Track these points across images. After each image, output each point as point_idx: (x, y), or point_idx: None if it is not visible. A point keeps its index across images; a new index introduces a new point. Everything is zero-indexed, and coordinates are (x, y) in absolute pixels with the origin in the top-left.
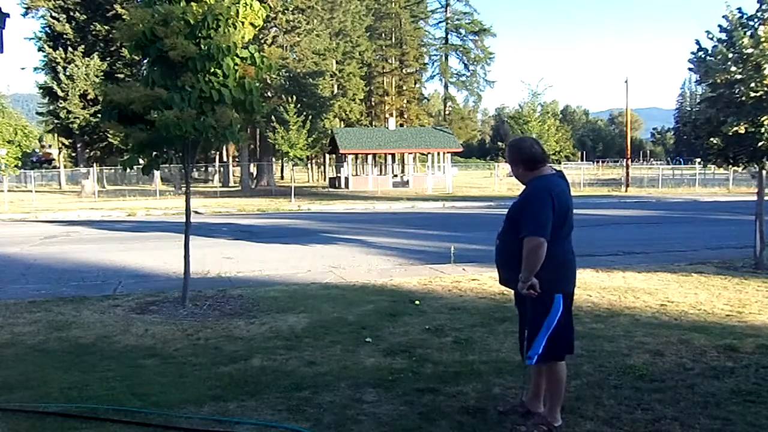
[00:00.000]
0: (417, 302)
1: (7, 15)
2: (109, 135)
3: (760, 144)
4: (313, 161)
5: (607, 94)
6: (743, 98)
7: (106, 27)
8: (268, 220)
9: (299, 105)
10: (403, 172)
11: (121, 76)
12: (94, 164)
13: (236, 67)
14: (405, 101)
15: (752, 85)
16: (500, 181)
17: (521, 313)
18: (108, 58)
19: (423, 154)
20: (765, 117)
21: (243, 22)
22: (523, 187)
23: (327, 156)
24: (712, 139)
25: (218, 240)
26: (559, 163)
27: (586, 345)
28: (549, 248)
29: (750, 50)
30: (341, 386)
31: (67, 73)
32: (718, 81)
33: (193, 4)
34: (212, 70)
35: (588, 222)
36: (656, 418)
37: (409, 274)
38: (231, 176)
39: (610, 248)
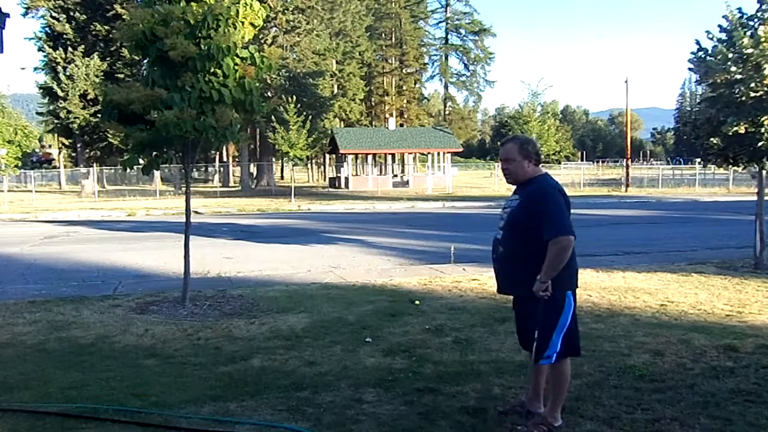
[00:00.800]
0: (417, 302)
1: (7, 15)
2: (109, 135)
3: (760, 144)
4: (313, 161)
5: (607, 94)
6: (743, 98)
7: (106, 27)
8: (268, 220)
9: (299, 105)
10: (403, 172)
11: (121, 76)
12: (94, 164)
13: (236, 67)
14: (405, 101)
15: (752, 85)
16: (500, 181)
17: (521, 316)
18: (108, 58)
19: (423, 154)
20: (765, 117)
21: (243, 22)
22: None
23: (327, 156)
24: (712, 139)
25: (218, 240)
26: (559, 163)
27: (586, 345)
28: (544, 246)
29: (750, 50)
30: (341, 386)
31: (67, 73)
32: (718, 81)
33: (193, 4)
34: (212, 70)
35: (588, 222)
36: (656, 418)
37: (409, 274)
38: (231, 176)
39: (610, 248)
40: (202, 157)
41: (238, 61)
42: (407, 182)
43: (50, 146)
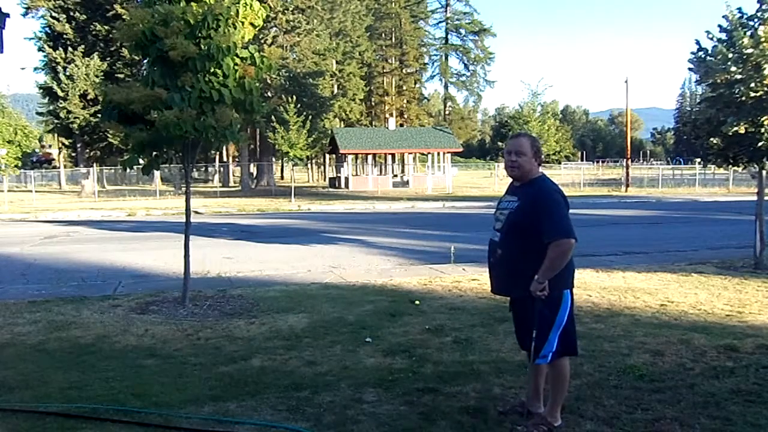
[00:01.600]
0: (417, 302)
1: (7, 15)
2: (109, 135)
3: (760, 144)
4: (313, 161)
5: (607, 94)
6: (743, 98)
7: (106, 27)
8: (268, 220)
9: (299, 105)
10: (403, 172)
11: (121, 76)
12: (94, 164)
13: (236, 67)
14: (405, 101)
15: (752, 85)
16: (500, 181)
17: (519, 317)
18: (108, 58)
19: (423, 154)
20: (765, 117)
21: (243, 22)
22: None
23: (327, 156)
24: (712, 139)
25: (218, 240)
26: (559, 163)
27: (586, 345)
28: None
29: (750, 50)
30: (341, 386)
31: (67, 73)
32: (718, 81)
33: (193, 4)
34: (212, 70)
35: (588, 222)
36: (656, 418)
37: (409, 274)
38: (231, 176)
39: (610, 248)
40: (202, 157)
41: (238, 61)
42: (407, 182)
43: (50, 146)
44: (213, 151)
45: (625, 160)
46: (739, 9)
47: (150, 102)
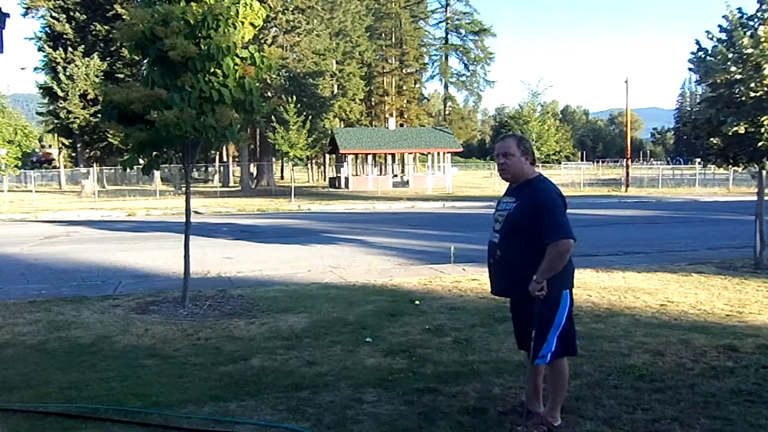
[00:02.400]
0: (417, 302)
1: (7, 15)
2: (109, 135)
3: (760, 144)
4: (313, 161)
5: (607, 94)
6: (743, 98)
7: (106, 27)
8: (268, 220)
9: (299, 105)
10: (403, 172)
11: (121, 76)
12: (94, 164)
13: (236, 67)
14: (405, 101)
15: (752, 85)
16: (500, 181)
17: (519, 317)
18: (108, 58)
19: (423, 154)
20: (765, 117)
21: (243, 22)
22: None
23: (327, 156)
24: (712, 139)
25: (218, 240)
26: (559, 163)
27: (586, 345)
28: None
29: (750, 50)
30: (341, 386)
31: (67, 73)
32: (718, 81)
33: (193, 4)
34: (212, 70)
35: (588, 222)
36: (656, 418)
37: (409, 274)
38: (231, 176)
39: (610, 248)
40: (202, 157)
41: (238, 61)
42: (407, 182)
43: (50, 146)
44: (213, 151)
45: (625, 160)
46: (739, 9)
47: (150, 102)
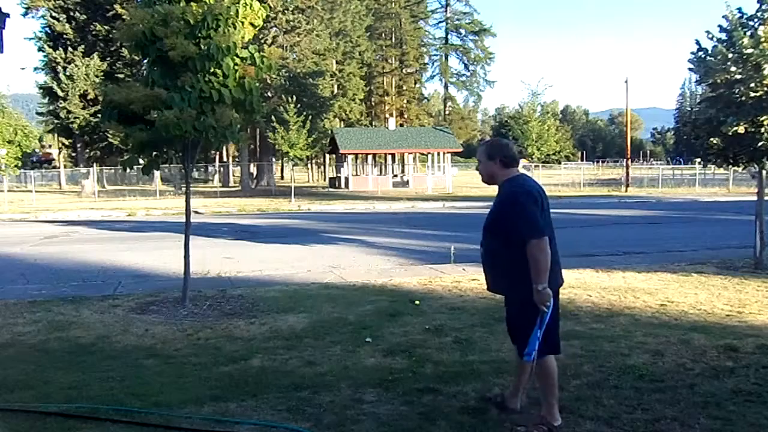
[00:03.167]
0: (417, 302)
1: (7, 15)
2: (109, 135)
3: (760, 144)
4: (313, 161)
5: (607, 94)
6: (743, 98)
7: (106, 27)
8: (268, 220)
9: (299, 105)
10: (403, 172)
11: (121, 76)
12: (94, 164)
13: (236, 67)
14: (405, 101)
15: (752, 85)
16: None
17: (507, 314)
18: (108, 58)
19: (423, 154)
20: (765, 117)
21: (243, 22)
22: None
23: (327, 156)
24: (712, 139)
25: (218, 240)
26: (559, 163)
27: (586, 345)
28: (523, 245)
29: (750, 50)
30: (341, 386)
31: (67, 73)
32: (718, 81)
33: (192, 4)
34: (212, 70)
35: (588, 222)
36: (656, 418)
37: (409, 274)
38: (231, 176)
39: (610, 248)
40: (202, 157)
41: (238, 61)
42: (407, 182)
43: (50, 146)
44: (213, 151)
45: (625, 160)
46: (739, 9)
47: (150, 102)
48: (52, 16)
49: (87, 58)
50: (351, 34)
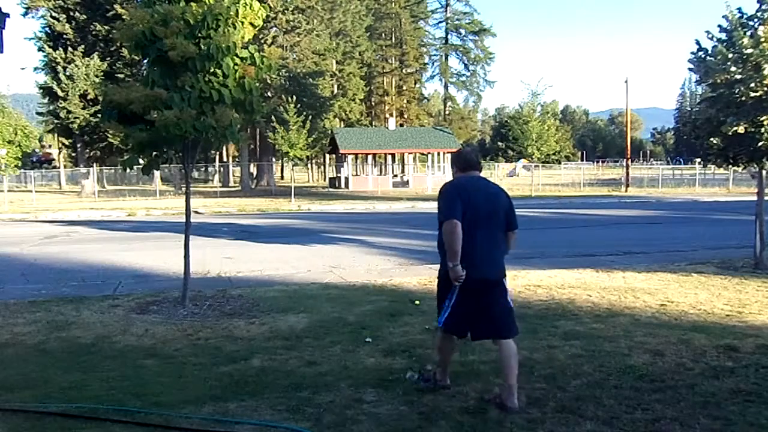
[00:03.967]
0: (417, 302)
1: (7, 15)
2: (109, 135)
3: (760, 144)
4: (313, 161)
5: (607, 94)
6: (743, 98)
7: (106, 27)
8: (268, 220)
9: (299, 105)
10: (403, 172)
11: (121, 76)
12: (94, 164)
13: (236, 67)
14: (405, 101)
15: (752, 85)
16: (500, 181)
17: None
18: (108, 58)
19: (423, 154)
20: (765, 117)
21: (243, 22)
22: None
23: (327, 156)
24: (712, 139)
25: (218, 240)
26: (559, 163)
27: (586, 345)
28: None
29: (750, 50)
30: (341, 386)
31: (67, 73)
32: (718, 81)
33: (192, 4)
34: (212, 70)
35: (588, 222)
36: (656, 418)
37: (409, 274)
38: (231, 176)
39: (610, 248)
40: (202, 157)
41: (238, 61)
42: (407, 182)
43: (50, 146)
44: (213, 151)
45: (625, 160)
46: (739, 9)
47: (150, 102)
48: (52, 16)
49: (87, 58)
50: (351, 34)
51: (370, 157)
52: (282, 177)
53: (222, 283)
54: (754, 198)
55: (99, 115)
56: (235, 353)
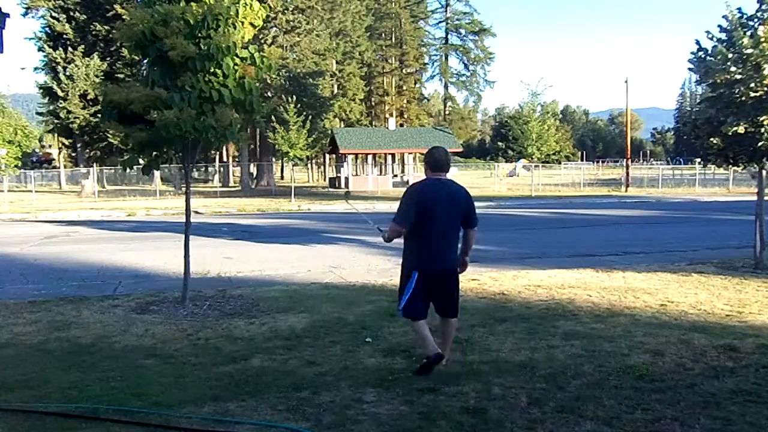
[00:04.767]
0: None
1: (7, 15)
2: (109, 135)
3: (760, 144)
4: (313, 161)
5: (607, 94)
6: (743, 98)
7: (106, 27)
8: (268, 220)
9: (299, 105)
10: (403, 172)
11: (121, 76)
12: (94, 164)
13: (236, 67)
14: (405, 101)
15: (752, 85)
16: (500, 181)
17: None
18: (108, 58)
19: (423, 154)
20: (765, 117)
21: (243, 22)
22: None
23: (327, 156)
24: (712, 139)
25: (218, 240)
26: (559, 163)
27: (586, 345)
28: (410, 234)
29: (750, 50)
30: (341, 386)
31: (67, 73)
32: (718, 81)
33: (192, 4)
34: (212, 70)
35: (588, 222)
36: (656, 418)
37: None
38: (231, 176)
39: (610, 248)
40: (202, 157)
41: (238, 61)
42: (407, 182)
43: (50, 146)
44: (213, 151)
45: (625, 160)
46: (739, 9)
47: (150, 102)
48: (52, 16)
49: (87, 58)
50: (351, 34)
51: (370, 157)
52: (282, 177)
53: (222, 283)
54: (754, 198)
55: (99, 115)
56: (235, 353)
